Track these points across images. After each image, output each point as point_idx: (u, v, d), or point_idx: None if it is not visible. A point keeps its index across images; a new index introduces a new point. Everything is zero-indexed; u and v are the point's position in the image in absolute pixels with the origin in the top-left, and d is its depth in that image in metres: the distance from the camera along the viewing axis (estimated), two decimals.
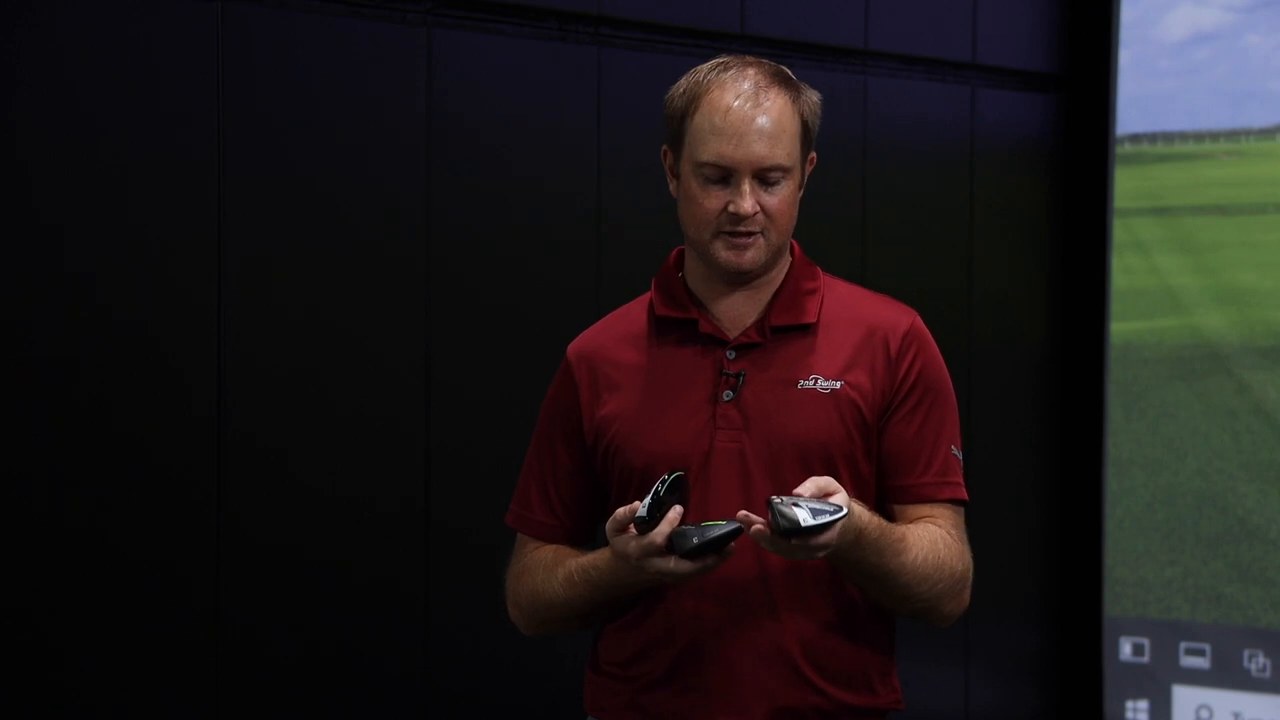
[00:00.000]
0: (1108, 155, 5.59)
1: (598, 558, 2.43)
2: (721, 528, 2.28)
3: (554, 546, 2.53)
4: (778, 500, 2.24)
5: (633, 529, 2.31)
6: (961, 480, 2.50)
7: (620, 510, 2.33)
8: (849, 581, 2.42)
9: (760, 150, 2.39)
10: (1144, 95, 5.60)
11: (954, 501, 2.49)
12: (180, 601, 3.48)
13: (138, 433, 3.41)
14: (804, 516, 2.23)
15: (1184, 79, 5.65)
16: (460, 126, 3.95)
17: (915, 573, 2.39)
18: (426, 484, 3.90)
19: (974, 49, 5.30)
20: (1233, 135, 5.61)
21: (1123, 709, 5.55)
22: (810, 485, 2.27)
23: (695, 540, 2.28)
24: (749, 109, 2.40)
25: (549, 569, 2.50)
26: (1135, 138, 5.63)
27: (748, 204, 2.39)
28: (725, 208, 2.40)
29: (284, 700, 3.66)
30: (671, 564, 2.30)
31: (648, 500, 2.29)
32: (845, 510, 2.25)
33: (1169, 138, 5.65)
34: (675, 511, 2.29)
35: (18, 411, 3.25)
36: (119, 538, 3.38)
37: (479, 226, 4.00)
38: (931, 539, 2.43)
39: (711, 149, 2.40)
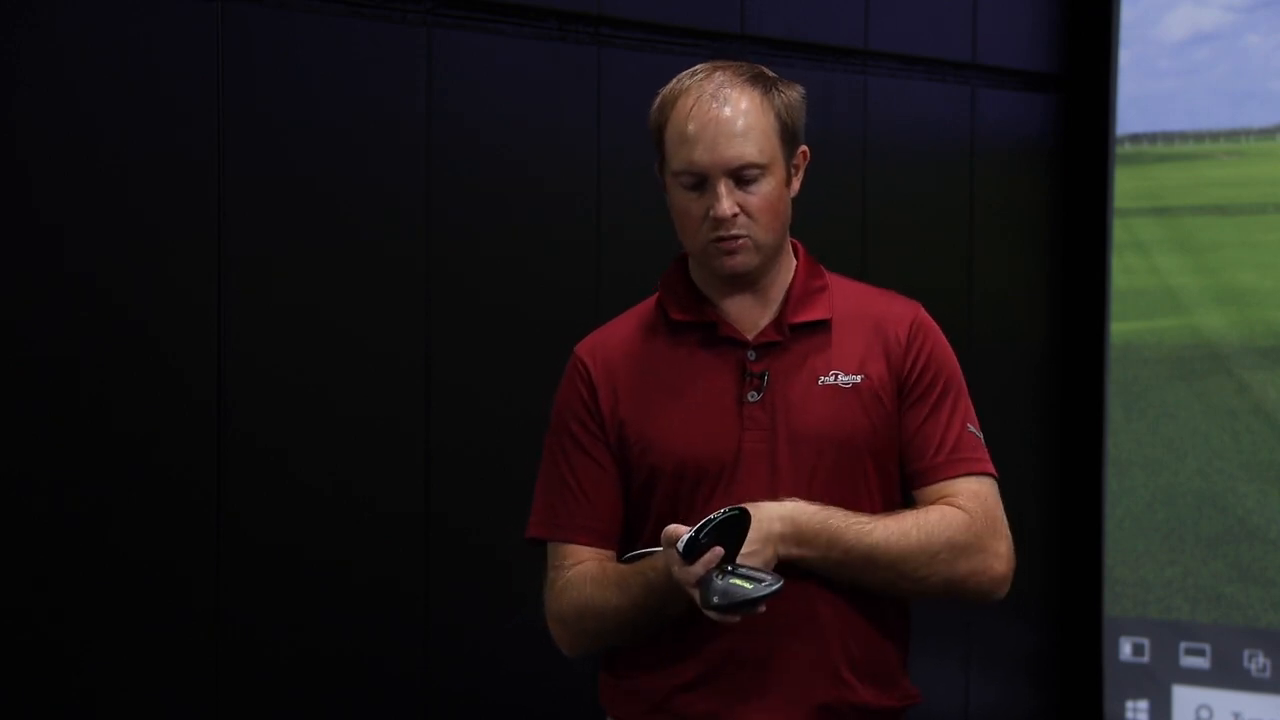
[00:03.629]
0: (1108, 155, 5.59)
1: (655, 560, 2.38)
2: (748, 591, 2.24)
3: (597, 560, 2.48)
4: (715, 575, 2.24)
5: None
6: (982, 455, 2.50)
7: (670, 528, 2.29)
8: (838, 582, 2.41)
9: (729, 151, 2.39)
10: (1144, 95, 5.60)
11: (971, 475, 2.48)
12: (180, 601, 3.48)
13: (138, 433, 3.41)
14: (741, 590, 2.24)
15: (1184, 79, 5.65)
16: (460, 126, 3.95)
17: (896, 548, 2.38)
18: (426, 484, 3.90)
19: (974, 49, 5.30)
20: (1233, 135, 5.61)
21: (1123, 709, 5.55)
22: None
23: (715, 600, 2.24)
24: (713, 110, 2.39)
25: (598, 579, 2.45)
26: (1135, 138, 5.63)
27: (724, 206, 2.39)
28: (707, 213, 2.40)
29: (284, 700, 3.66)
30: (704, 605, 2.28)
31: (686, 538, 2.25)
32: (780, 583, 2.26)
33: (1169, 138, 5.65)
34: (713, 554, 2.25)
35: (18, 411, 3.25)
36: (119, 538, 3.38)
37: (479, 226, 4.00)
38: (917, 514, 2.43)
39: (682, 156, 2.41)
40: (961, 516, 2.44)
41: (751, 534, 2.29)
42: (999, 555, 2.45)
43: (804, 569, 2.39)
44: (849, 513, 2.40)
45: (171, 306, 3.46)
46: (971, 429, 2.51)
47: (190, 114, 3.48)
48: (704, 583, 2.25)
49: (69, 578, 3.32)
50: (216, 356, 3.52)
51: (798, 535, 2.36)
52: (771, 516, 2.35)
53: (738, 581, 2.25)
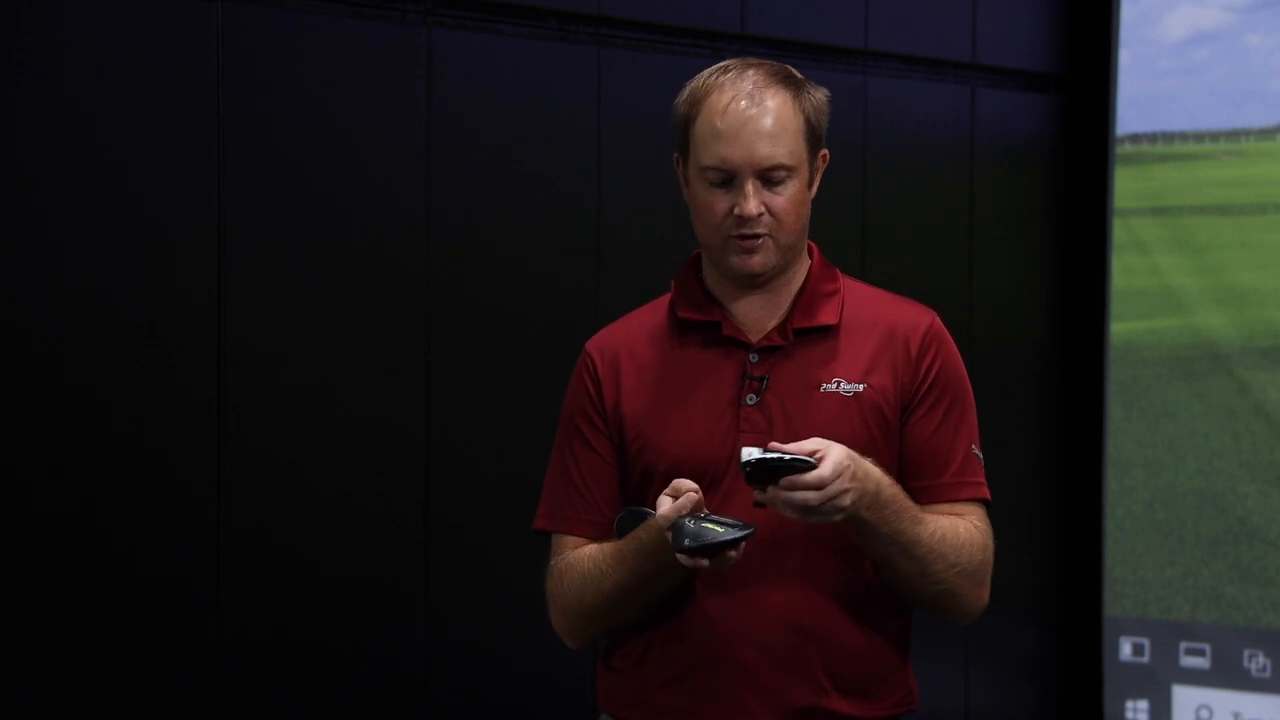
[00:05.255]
0: (1108, 155, 5.59)
1: (650, 524, 2.39)
2: (719, 535, 2.27)
3: (596, 544, 2.49)
4: (688, 519, 2.28)
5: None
6: (983, 479, 2.51)
7: (678, 481, 2.33)
8: (868, 554, 2.42)
9: (761, 150, 2.39)
10: (1144, 95, 5.60)
11: (975, 500, 2.49)
12: (180, 601, 3.48)
13: (138, 433, 3.41)
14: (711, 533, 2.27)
15: (1184, 79, 5.65)
16: (460, 126, 3.95)
17: (933, 545, 2.39)
18: (426, 484, 3.90)
19: (974, 49, 5.30)
20: (1233, 135, 5.61)
21: (1123, 709, 5.55)
22: (809, 445, 2.29)
23: (686, 541, 2.27)
24: (747, 109, 2.40)
25: (595, 558, 2.46)
26: (1135, 138, 5.63)
27: (751, 205, 2.39)
28: (731, 210, 2.41)
29: (284, 700, 3.66)
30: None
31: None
32: (752, 529, 2.28)
33: (1169, 138, 5.65)
34: (687, 499, 2.29)
35: (18, 411, 3.25)
36: (119, 538, 3.38)
37: (479, 226, 4.00)
38: (952, 521, 2.44)
39: (713, 152, 2.40)
40: (981, 540, 2.47)
41: (853, 469, 2.29)
42: (987, 585, 2.50)
43: (854, 531, 2.38)
44: (903, 491, 2.40)
45: (171, 306, 3.46)
46: (975, 450, 2.51)
47: (190, 114, 3.48)
48: (676, 527, 2.28)
49: (69, 578, 3.31)
50: (216, 356, 3.52)
51: (877, 496, 2.35)
52: (868, 467, 2.34)
53: (710, 525, 2.28)
